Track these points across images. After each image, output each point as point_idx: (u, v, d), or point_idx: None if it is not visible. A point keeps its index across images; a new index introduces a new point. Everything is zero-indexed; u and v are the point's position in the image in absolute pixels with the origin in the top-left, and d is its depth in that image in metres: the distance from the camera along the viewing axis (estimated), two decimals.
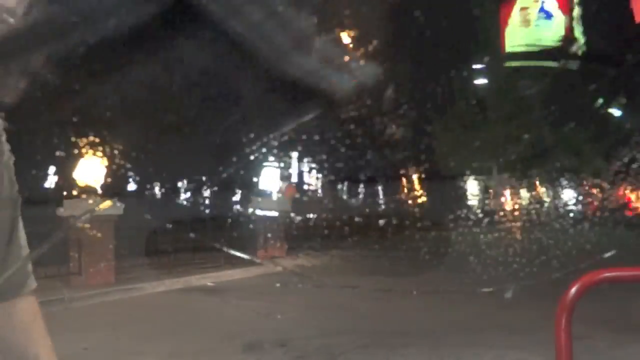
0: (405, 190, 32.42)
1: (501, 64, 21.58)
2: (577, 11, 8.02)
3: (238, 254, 10.27)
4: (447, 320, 5.77)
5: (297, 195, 12.40)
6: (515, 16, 8.28)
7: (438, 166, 24.36)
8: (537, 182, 29.45)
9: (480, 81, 23.83)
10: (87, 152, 7.80)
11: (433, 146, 24.23)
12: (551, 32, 7.95)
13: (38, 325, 1.20)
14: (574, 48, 14.60)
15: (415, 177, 26.24)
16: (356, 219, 14.73)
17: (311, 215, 16.47)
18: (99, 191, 7.86)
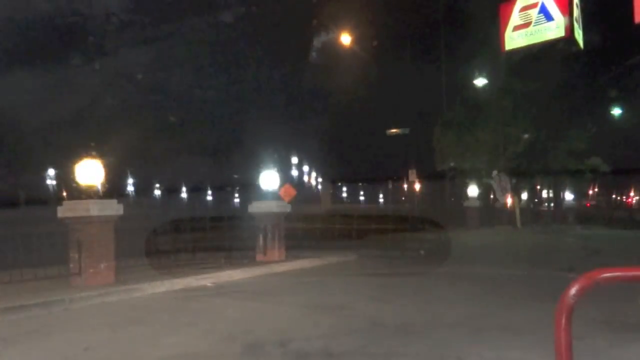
0: (406, 191, 32.33)
1: (500, 65, 21.60)
2: (577, 12, 8.01)
3: (238, 254, 10.27)
4: (447, 320, 5.78)
5: (295, 196, 12.39)
6: (514, 16, 8.26)
7: (437, 167, 24.35)
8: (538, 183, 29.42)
9: (480, 81, 23.83)
10: (87, 153, 7.78)
11: (433, 146, 24.24)
12: (551, 33, 7.93)
13: None
14: (573, 49, 14.60)
15: (416, 178, 26.20)
16: (356, 220, 14.71)
17: (311, 216, 16.47)
18: (100, 191, 7.84)
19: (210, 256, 9.83)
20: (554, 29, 7.98)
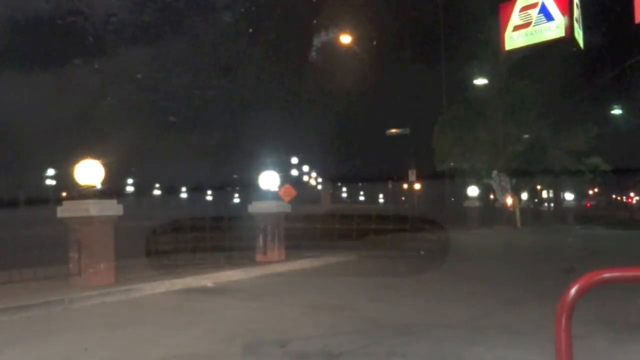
0: (406, 191, 32.31)
1: (500, 65, 21.60)
2: (577, 12, 8.02)
3: (238, 254, 10.27)
4: (447, 320, 5.77)
5: (295, 196, 12.38)
6: (515, 17, 8.27)
7: (437, 167, 24.35)
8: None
9: (480, 81, 23.82)
10: (87, 153, 7.78)
11: (432, 146, 24.24)
12: (551, 33, 7.94)
13: None
14: (573, 49, 14.62)
15: (416, 178, 26.21)
16: (356, 220, 14.71)
17: (311, 216, 16.47)
18: (99, 191, 7.84)
19: (210, 256, 9.82)
20: (554, 29, 7.99)
